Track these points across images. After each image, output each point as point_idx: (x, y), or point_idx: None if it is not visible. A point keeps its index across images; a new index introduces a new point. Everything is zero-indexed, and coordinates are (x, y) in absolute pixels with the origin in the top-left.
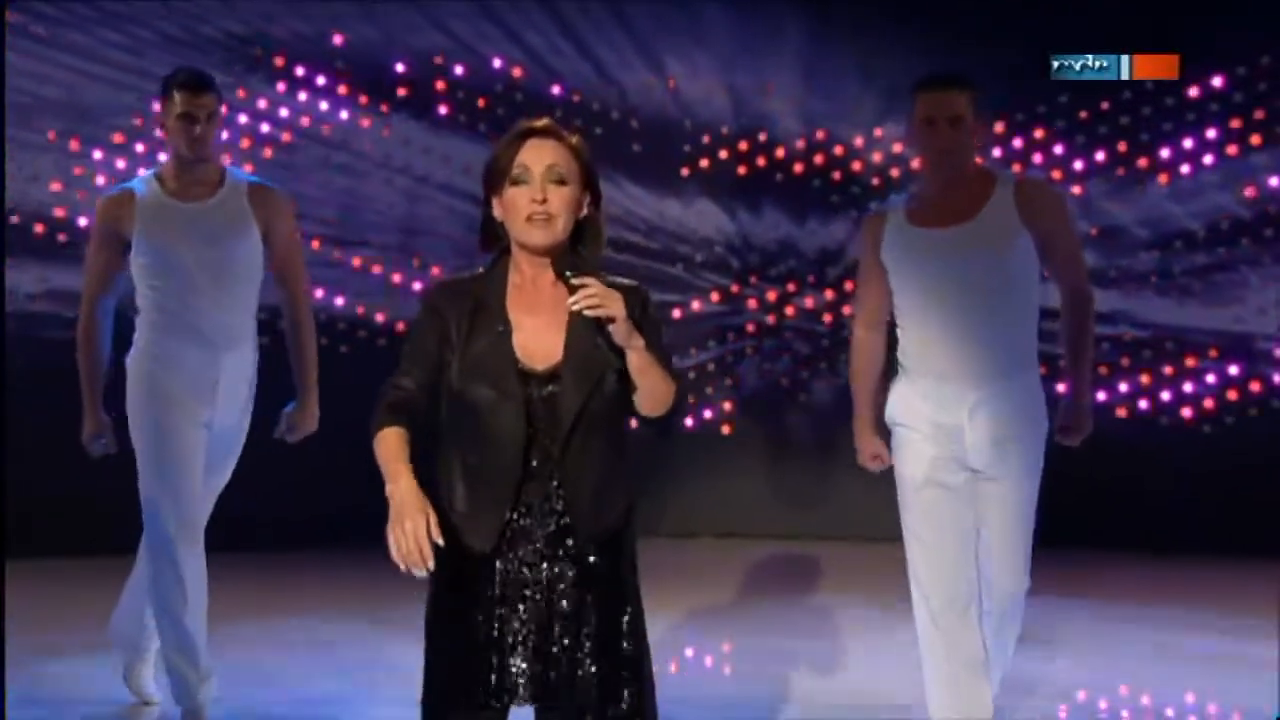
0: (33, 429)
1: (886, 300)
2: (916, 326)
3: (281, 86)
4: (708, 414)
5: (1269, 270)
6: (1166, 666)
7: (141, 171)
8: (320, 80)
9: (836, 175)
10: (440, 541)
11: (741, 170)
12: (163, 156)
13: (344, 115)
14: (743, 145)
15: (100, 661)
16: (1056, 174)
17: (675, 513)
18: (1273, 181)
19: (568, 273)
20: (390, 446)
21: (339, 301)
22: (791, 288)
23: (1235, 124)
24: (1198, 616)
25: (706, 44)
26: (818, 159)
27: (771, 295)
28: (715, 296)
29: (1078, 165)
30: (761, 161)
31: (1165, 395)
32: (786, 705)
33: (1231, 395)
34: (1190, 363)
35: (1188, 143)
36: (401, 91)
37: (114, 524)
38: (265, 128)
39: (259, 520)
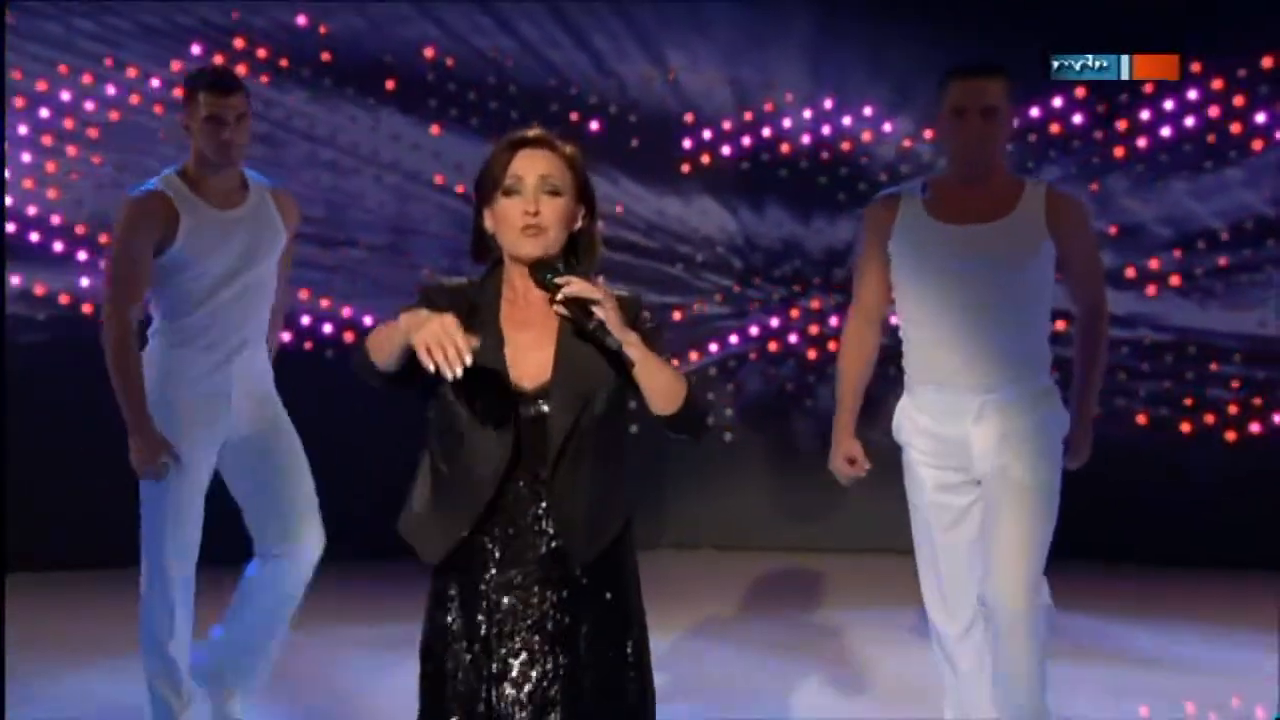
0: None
1: (886, 291)
2: (924, 328)
3: (264, 79)
4: (709, 420)
5: None
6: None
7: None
8: (305, 73)
9: (844, 172)
10: (476, 341)
11: (745, 166)
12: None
13: (330, 109)
14: (746, 140)
15: (99, 674)
16: (1073, 170)
17: (675, 523)
18: None
19: (548, 274)
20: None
21: (325, 303)
22: (797, 289)
23: (1262, 119)
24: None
25: (709, 35)
26: (824, 155)
27: (776, 297)
28: (717, 298)
29: (1095, 160)
30: (766, 157)
31: (1187, 401)
32: None
33: (1256, 401)
34: (1213, 367)
35: (1210, 138)
36: (390, 84)
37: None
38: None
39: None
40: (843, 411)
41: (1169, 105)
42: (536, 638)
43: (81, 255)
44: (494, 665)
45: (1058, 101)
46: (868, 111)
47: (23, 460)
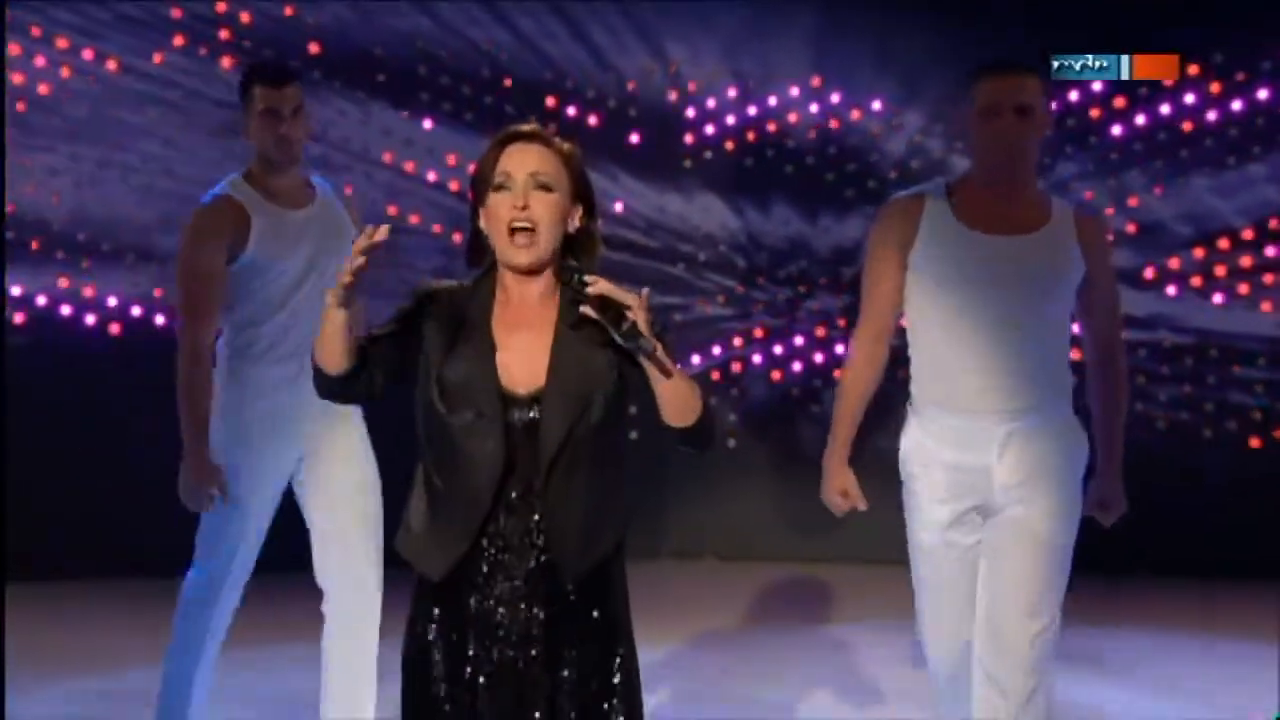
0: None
1: (898, 304)
2: (948, 347)
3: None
4: (718, 433)
5: None
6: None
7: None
8: (292, 65)
9: (852, 168)
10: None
11: (749, 162)
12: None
13: (319, 103)
14: (750, 135)
15: (99, 685)
16: (1090, 166)
17: (676, 532)
18: None
19: (576, 274)
20: None
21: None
22: (803, 289)
23: None
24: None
25: (710, 26)
26: (831, 150)
27: (781, 298)
28: (720, 299)
29: (1113, 156)
30: (770, 153)
31: (1209, 406)
32: None
33: None
34: (1235, 370)
35: (1233, 132)
36: (381, 77)
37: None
38: (234, 117)
39: None
40: (839, 438)
41: (1190, 99)
42: (521, 655)
43: (59, 254)
44: (479, 681)
45: (1074, 95)
46: (876, 105)
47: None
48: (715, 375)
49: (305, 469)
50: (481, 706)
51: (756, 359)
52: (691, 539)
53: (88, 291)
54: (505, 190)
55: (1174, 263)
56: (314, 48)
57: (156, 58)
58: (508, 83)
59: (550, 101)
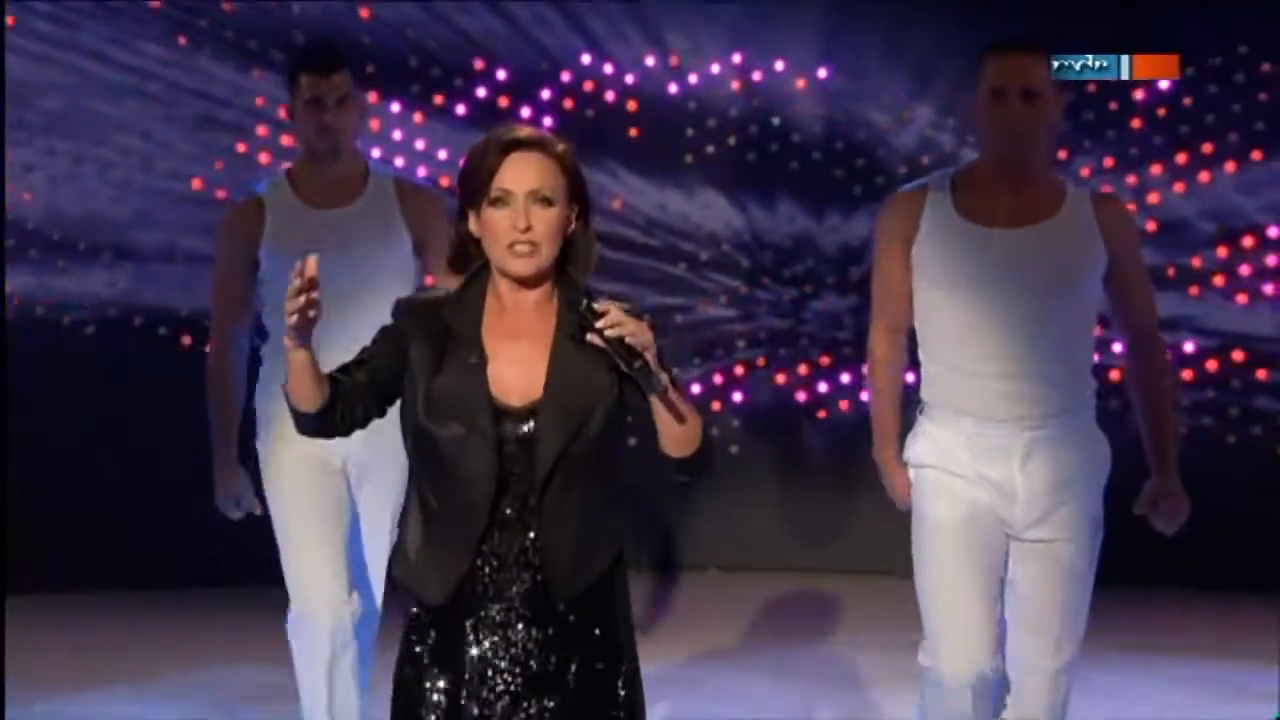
0: None
1: (910, 296)
2: (954, 350)
3: (232, 62)
4: (714, 432)
5: None
6: None
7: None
8: (277, 56)
9: (860, 163)
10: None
11: (752, 157)
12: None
13: None
14: (754, 129)
15: (101, 700)
16: (1108, 161)
17: (677, 543)
18: None
19: (585, 301)
20: None
21: None
22: (809, 290)
23: None
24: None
25: (713, 15)
26: (838, 145)
27: (786, 298)
28: (723, 299)
29: (1133, 151)
30: (775, 148)
31: (1233, 411)
32: None
33: None
34: (1261, 375)
35: (1259, 125)
36: (369, 69)
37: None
38: (213, 109)
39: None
40: (885, 435)
41: (1213, 89)
42: (520, 679)
43: (32, 253)
44: (474, 709)
45: (1092, 87)
46: (885, 98)
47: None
48: (717, 378)
49: (351, 479)
50: None
51: (760, 362)
52: (693, 550)
53: (63, 292)
54: (505, 206)
55: (1196, 262)
56: (299, 37)
57: (137, 47)
58: (502, 75)
59: (546, 94)
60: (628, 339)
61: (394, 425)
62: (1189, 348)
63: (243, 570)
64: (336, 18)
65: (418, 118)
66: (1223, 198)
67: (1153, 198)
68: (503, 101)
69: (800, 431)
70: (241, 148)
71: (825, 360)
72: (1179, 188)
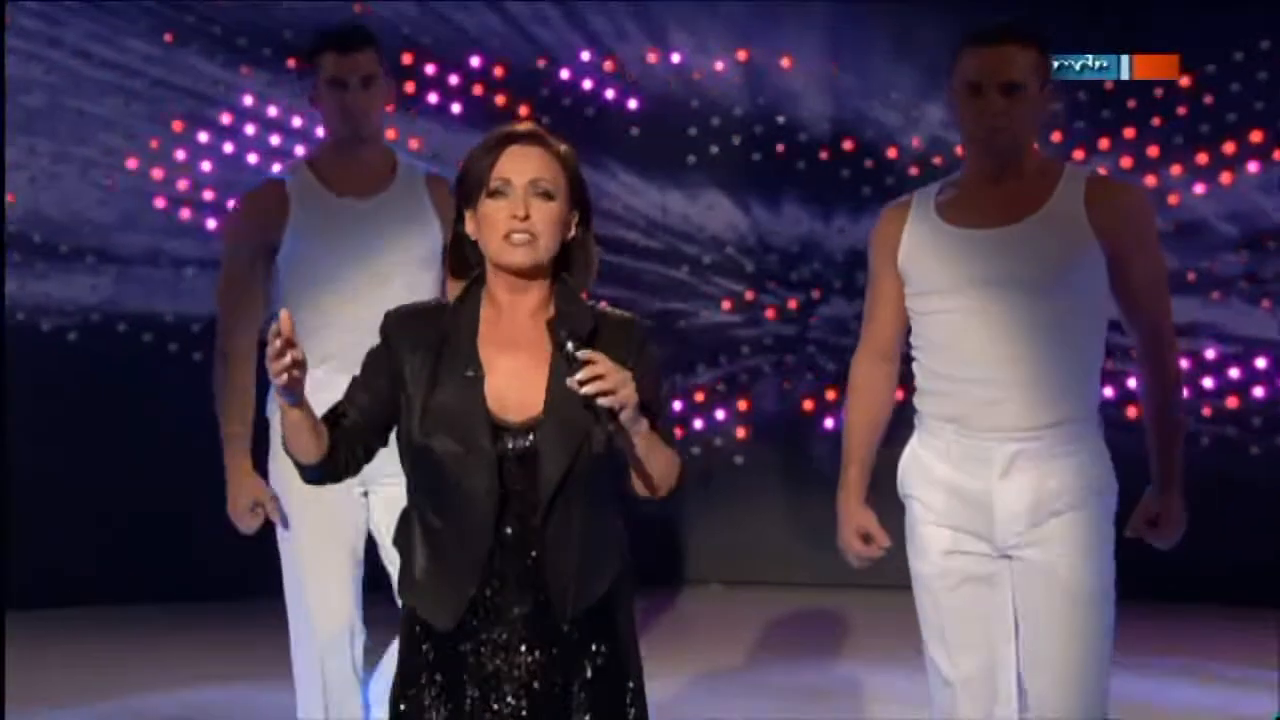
0: None
1: (901, 323)
2: (939, 356)
3: (219, 59)
4: (718, 442)
5: None
6: None
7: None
8: (266, 53)
9: (868, 163)
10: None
11: (757, 157)
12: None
13: (293, 94)
14: (759, 128)
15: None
16: (1126, 161)
17: (679, 557)
18: None
19: (569, 344)
20: None
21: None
22: (815, 294)
23: None
24: None
25: (717, 10)
26: (846, 145)
27: (792, 303)
28: (727, 304)
29: (1151, 151)
30: (780, 148)
31: (1256, 420)
32: None
33: None
34: None
35: None
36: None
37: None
38: (200, 107)
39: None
40: (851, 471)
41: (1235, 87)
42: (525, 702)
43: (14, 256)
44: None
45: (1108, 84)
46: (895, 95)
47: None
48: (721, 387)
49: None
50: None
51: (765, 369)
52: (695, 565)
53: (44, 296)
54: (503, 197)
55: (1216, 266)
56: (288, 34)
57: (121, 43)
58: (499, 72)
59: (544, 92)
60: (602, 400)
61: None
62: (1210, 354)
63: (229, 582)
64: (326, 14)
65: (412, 116)
66: (1245, 199)
67: (1172, 199)
68: (499, 100)
69: (806, 441)
70: (229, 148)
71: (832, 367)
72: (1199, 189)
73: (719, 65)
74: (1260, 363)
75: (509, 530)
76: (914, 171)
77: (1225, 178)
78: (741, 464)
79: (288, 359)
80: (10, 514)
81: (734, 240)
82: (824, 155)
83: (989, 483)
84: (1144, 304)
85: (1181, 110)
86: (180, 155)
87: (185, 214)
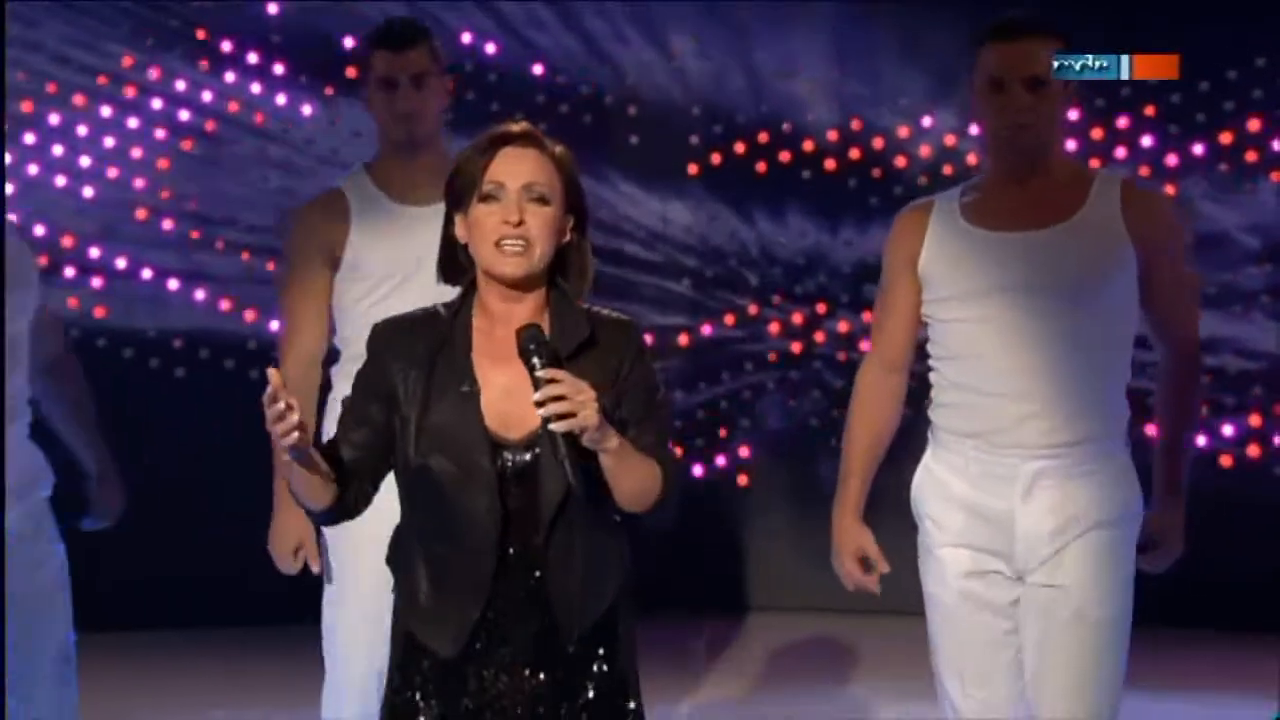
0: None
1: (914, 332)
2: (960, 367)
3: (204, 64)
4: (721, 461)
5: None
6: None
7: None
8: (252, 58)
9: (876, 173)
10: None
11: (761, 167)
12: None
13: (281, 100)
14: (763, 137)
15: None
16: (1144, 171)
17: (682, 582)
18: None
19: (534, 360)
20: None
21: (274, 325)
22: (821, 309)
23: None
24: None
25: (719, 13)
26: (853, 153)
27: (798, 318)
28: (729, 319)
29: (1171, 160)
30: (785, 156)
31: (1279, 439)
32: None
33: None
34: None
35: None
36: (351, 72)
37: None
38: (185, 115)
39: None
40: (850, 485)
41: (1258, 94)
42: None
43: None
44: None
45: (1125, 90)
46: (903, 102)
47: None
48: (724, 405)
49: None
50: None
51: (771, 386)
52: (697, 590)
53: None
54: (495, 201)
55: (1239, 278)
56: (276, 38)
57: (100, 49)
58: (492, 78)
59: (540, 98)
60: (558, 425)
61: None
62: (1233, 370)
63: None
64: (313, 17)
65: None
66: (1267, 210)
67: (1193, 210)
68: (493, 106)
69: (814, 460)
70: (215, 156)
71: (839, 384)
72: (1220, 199)
73: (722, 70)
74: None
75: (511, 551)
76: (923, 181)
77: (1247, 187)
78: (747, 485)
79: (294, 419)
80: None
81: (737, 252)
82: (830, 164)
83: (1011, 502)
84: (1173, 311)
85: (1200, 116)
86: (161, 166)
87: (168, 227)
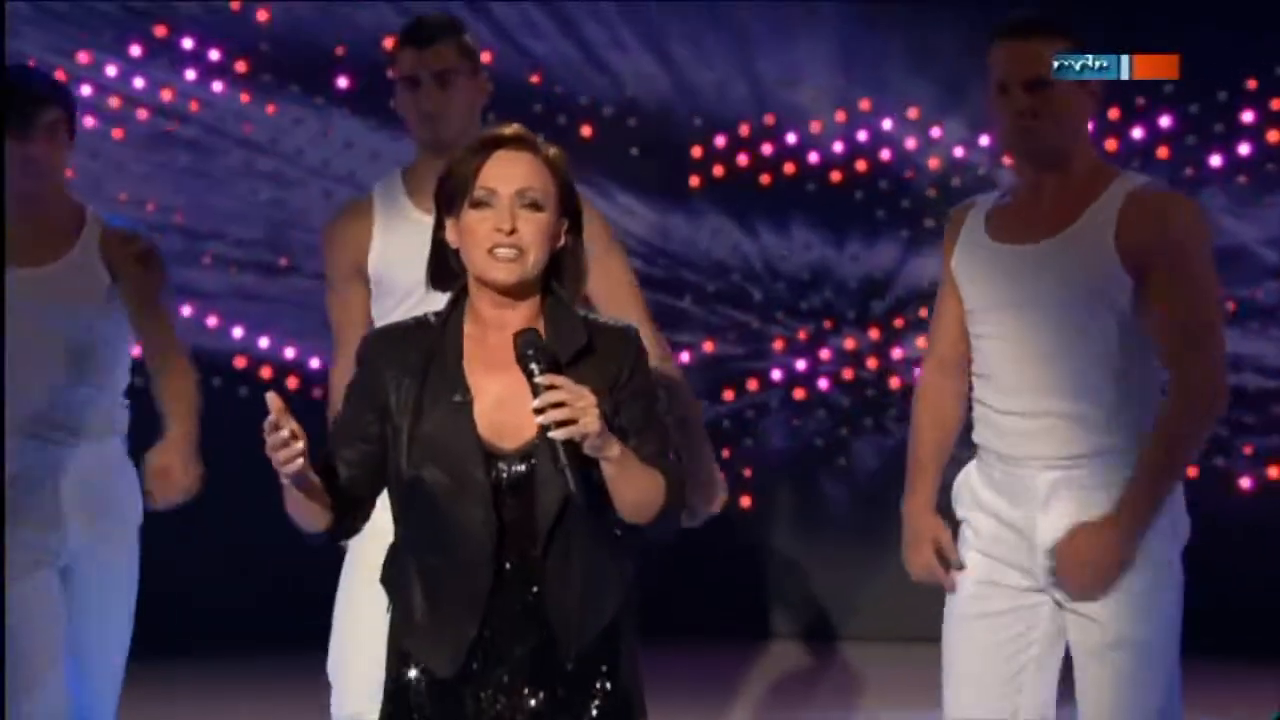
0: None
1: (965, 335)
2: (980, 383)
3: (191, 74)
4: (720, 477)
5: None
6: None
7: None
8: (240, 67)
9: (883, 185)
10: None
11: (765, 179)
12: None
13: (270, 110)
14: (766, 148)
15: None
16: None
17: (683, 607)
18: None
19: (532, 365)
20: None
21: (264, 342)
22: (827, 325)
23: None
24: None
25: (721, 22)
26: (859, 165)
27: (802, 334)
28: (732, 336)
29: (1187, 171)
30: (790, 168)
31: None
32: None
33: None
34: None
35: None
36: (343, 82)
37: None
38: (170, 125)
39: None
40: (919, 485)
41: (1276, 104)
42: None
43: None
44: None
45: (1140, 100)
46: (912, 113)
47: None
48: (727, 424)
49: None
50: None
51: (774, 404)
52: (699, 616)
53: None
54: (487, 207)
55: (1258, 294)
56: (265, 46)
57: (82, 57)
58: (488, 87)
59: (537, 108)
60: (557, 433)
61: None
62: (1252, 389)
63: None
64: (305, 25)
65: (395, 135)
66: None
67: (1210, 223)
68: (490, 116)
69: (819, 482)
70: (202, 167)
71: (846, 402)
72: (1238, 212)
73: (724, 80)
74: None
75: (508, 565)
76: (932, 193)
77: (1266, 200)
78: (749, 507)
79: (298, 446)
80: None
81: (740, 267)
82: (836, 176)
83: (1031, 512)
84: (1174, 349)
85: (1218, 127)
86: (146, 176)
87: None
